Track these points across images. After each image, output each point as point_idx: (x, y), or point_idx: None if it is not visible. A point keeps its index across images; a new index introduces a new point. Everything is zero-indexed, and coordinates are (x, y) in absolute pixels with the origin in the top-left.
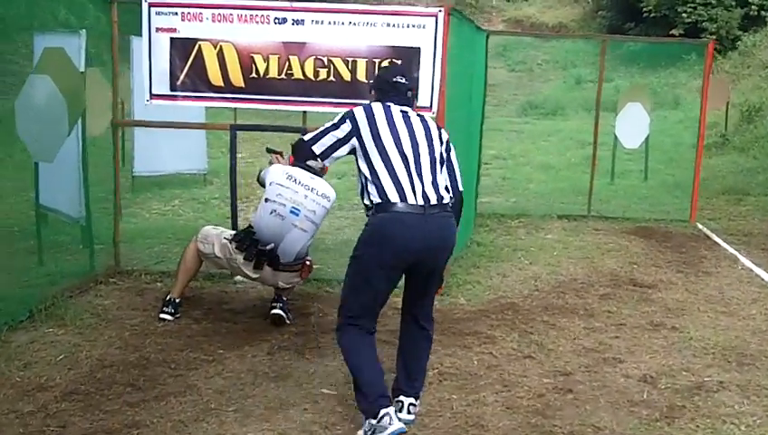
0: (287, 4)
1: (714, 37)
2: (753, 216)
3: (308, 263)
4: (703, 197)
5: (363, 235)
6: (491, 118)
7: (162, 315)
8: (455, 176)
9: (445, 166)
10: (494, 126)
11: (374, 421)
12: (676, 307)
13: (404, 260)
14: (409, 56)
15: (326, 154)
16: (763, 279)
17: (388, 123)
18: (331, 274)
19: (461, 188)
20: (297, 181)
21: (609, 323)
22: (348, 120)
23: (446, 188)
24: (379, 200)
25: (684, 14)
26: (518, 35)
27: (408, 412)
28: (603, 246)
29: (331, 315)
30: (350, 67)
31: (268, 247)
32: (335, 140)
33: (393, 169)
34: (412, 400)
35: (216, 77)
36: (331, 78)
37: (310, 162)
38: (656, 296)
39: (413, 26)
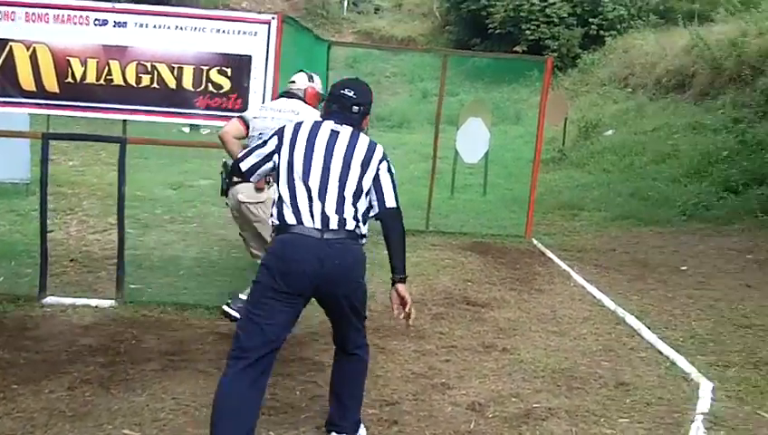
0: (108, 5)
1: (555, 54)
2: (586, 231)
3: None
4: (539, 212)
5: (263, 258)
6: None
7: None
8: (381, 195)
9: (364, 193)
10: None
11: None
12: (509, 327)
13: (299, 286)
14: (240, 65)
15: (251, 171)
16: (594, 296)
17: (307, 143)
18: (152, 295)
19: (389, 205)
20: (266, 108)
21: (441, 346)
22: (275, 137)
23: (356, 216)
24: (278, 222)
25: (527, 32)
26: (360, 47)
27: None
28: (439, 263)
29: (145, 343)
30: (175, 74)
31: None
32: (261, 157)
33: (295, 191)
34: None
35: (27, 81)
36: (155, 85)
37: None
38: (488, 316)
39: (244, 33)
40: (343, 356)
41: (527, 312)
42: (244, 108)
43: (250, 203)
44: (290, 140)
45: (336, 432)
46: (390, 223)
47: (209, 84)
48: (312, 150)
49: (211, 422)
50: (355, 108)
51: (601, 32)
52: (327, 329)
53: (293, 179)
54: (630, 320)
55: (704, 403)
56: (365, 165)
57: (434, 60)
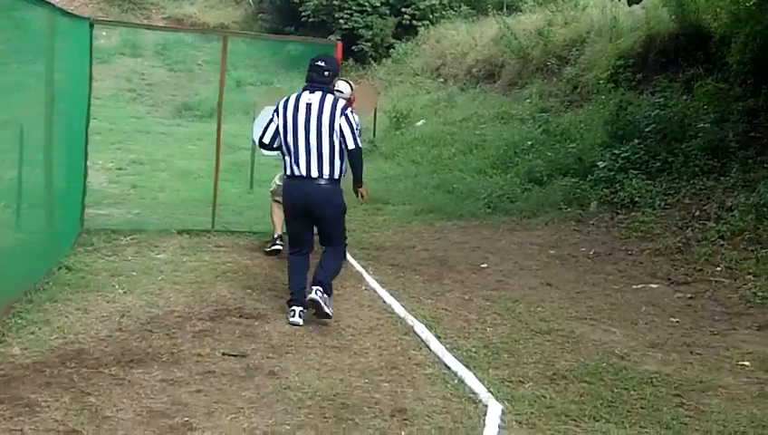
0: None
1: (369, 44)
2: (388, 227)
3: None
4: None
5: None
6: (143, 119)
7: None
8: (344, 140)
9: (334, 144)
10: (142, 128)
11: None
12: (282, 343)
13: (297, 210)
14: None
15: (273, 139)
16: (384, 301)
17: (292, 114)
18: None
19: (351, 146)
20: None
21: (195, 372)
22: (275, 112)
23: (329, 162)
24: (283, 172)
25: (341, 20)
26: (127, 26)
27: (314, 293)
28: (220, 267)
29: None
30: None
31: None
32: (274, 131)
33: (289, 150)
34: (317, 287)
35: None
36: None
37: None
38: (261, 330)
39: None
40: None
41: (307, 323)
42: None
43: None
44: (282, 113)
45: (316, 284)
46: (352, 159)
47: None
48: (296, 119)
49: (288, 276)
50: (326, 73)
51: (414, 21)
52: (59, 356)
53: (287, 142)
54: (419, 329)
55: (490, 432)
56: (332, 122)
57: (249, 48)
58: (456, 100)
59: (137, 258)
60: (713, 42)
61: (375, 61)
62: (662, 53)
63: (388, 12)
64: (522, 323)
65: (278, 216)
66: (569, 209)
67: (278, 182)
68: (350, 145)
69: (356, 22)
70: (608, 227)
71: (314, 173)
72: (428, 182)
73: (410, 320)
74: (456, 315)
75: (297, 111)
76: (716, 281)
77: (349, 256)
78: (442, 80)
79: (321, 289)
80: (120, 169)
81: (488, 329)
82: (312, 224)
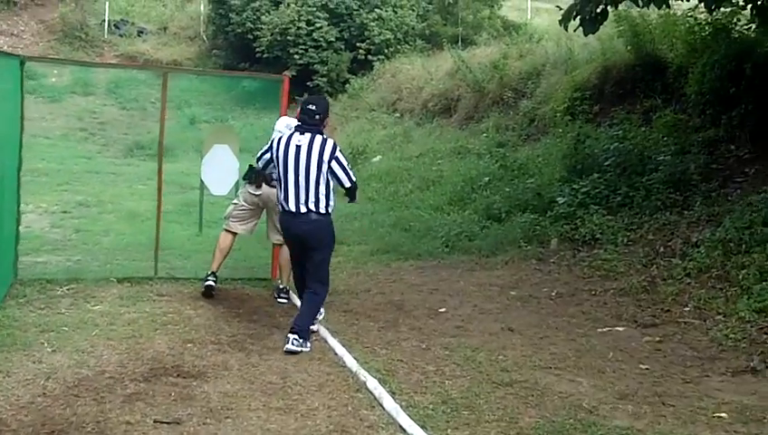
0: None
1: (325, 79)
2: (342, 269)
3: None
4: None
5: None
6: (93, 159)
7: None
8: (338, 180)
9: (319, 184)
10: (92, 168)
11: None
12: (221, 406)
13: (293, 242)
14: None
15: (264, 167)
16: (335, 353)
17: (284, 153)
18: None
19: (347, 185)
20: (290, 128)
21: None
22: (270, 149)
23: (315, 199)
24: (278, 206)
25: (296, 56)
26: (60, 63)
27: (291, 343)
28: (160, 319)
29: None
30: None
31: (257, 168)
32: (267, 158)
33: (281, 185)
34: (294, 335)
35: None
36: None
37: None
38: (199, 391)
39: None
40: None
41: (251, 381)
42: None
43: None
44: (276, 150)
45: (293, 332)
46: (349, 194)
47: None
48: (287, 158)
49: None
50: (317, 117)
51: (369, 56)
52: None
53: (280, 178)
54: (372, 385)
55: None
56: (320, 164)
57: (203, 85)
58: (412, 135)
59: (71, 311)
60: (670, 72)
61: (331, 96)
62: (619, 84)
63: (343, 47)
64: (482, 375)
65: (220, 249)
66: (529, 247)
67: (234, 203)
68: (346, 184)
69: (311, 57)
70: (569, 265)
71: (303, 208)
72: (385, 220)
73: (363, 375)
74: (412, 367)
75: (288, 150)
76: (685, 322)
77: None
78: (398, 115)
79: (297, 338)
80: (65, 211)
81: (447, 382)
82: (304, 251)
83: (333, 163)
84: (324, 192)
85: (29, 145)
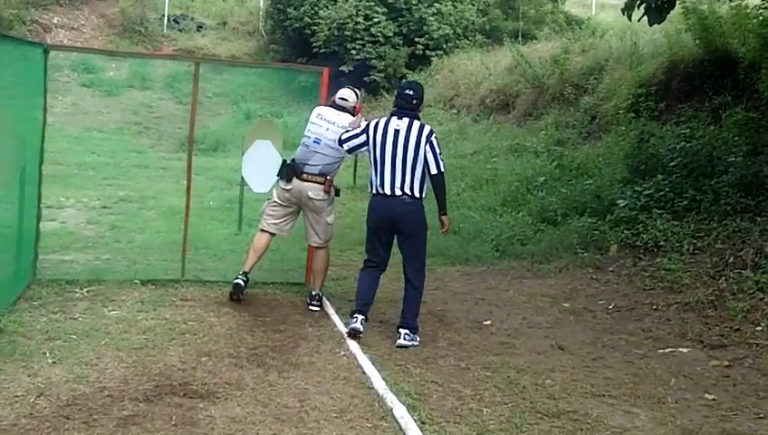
0: None
1: (382, 75)
2: (385, 273)
3: (329, 179)
4: (335, 249)
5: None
6: (144, 153)
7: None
8: (428, 166)
9: (416, 168)
10: (141, 162)
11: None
12: (228, 432)
13: (381, 224)
14: None
15: (352, 150)
16: (364, 372)
17: (382, 137)
18: None
19: (434, 171)
20: (323, 118)
21: None
22: (365, 133)
23: (410, 183)
24: (370, 189)
25: (353, 51)
26: (83, 51)
27: (402, 338)
28: (178, 327)
29: None
30: None
31: (290, 161)
32: (358, 143)
33: (376, 169)
34: (405, 330)
35: None
36: None
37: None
38: (204, 415)
39: None
40: (406, 281)
41: (265, 404)
42: None
43: (317, 200)
44: (372, 135)
45: (400, 327)
46: (435, 184)
47: None
48: (384, 142)
49: (357, 292)
50: (414, 101)
51: (427, 51)
52: None
53: (375, 162)
54: (399, 413)
55: None
56: (417, 149)
57: (259, 80)
58: (467, 131)
59: (85, 316)
60: (741, 68)
61: (387, 92)
62: (686, 80)
63: (401, 42)
64: (526, 402)
65: (254, 249)
66: (585, 254)
67: (268, 200)
68: (433, 170)
69: (368, 52)
70: (629, 275)
71: (398, 191)
72: (434, 221)
73: (390, 400)
74: (447, 390)
75: (386, 135)
76: (757, 344)
77: (332, 312)
78: (455, 111)
79: (408, 332)
80: (105, 207)
81: (485, 410)
82: (392, 240)
83: (427, 147)
84: (420, 177)
85: (82, 138)
